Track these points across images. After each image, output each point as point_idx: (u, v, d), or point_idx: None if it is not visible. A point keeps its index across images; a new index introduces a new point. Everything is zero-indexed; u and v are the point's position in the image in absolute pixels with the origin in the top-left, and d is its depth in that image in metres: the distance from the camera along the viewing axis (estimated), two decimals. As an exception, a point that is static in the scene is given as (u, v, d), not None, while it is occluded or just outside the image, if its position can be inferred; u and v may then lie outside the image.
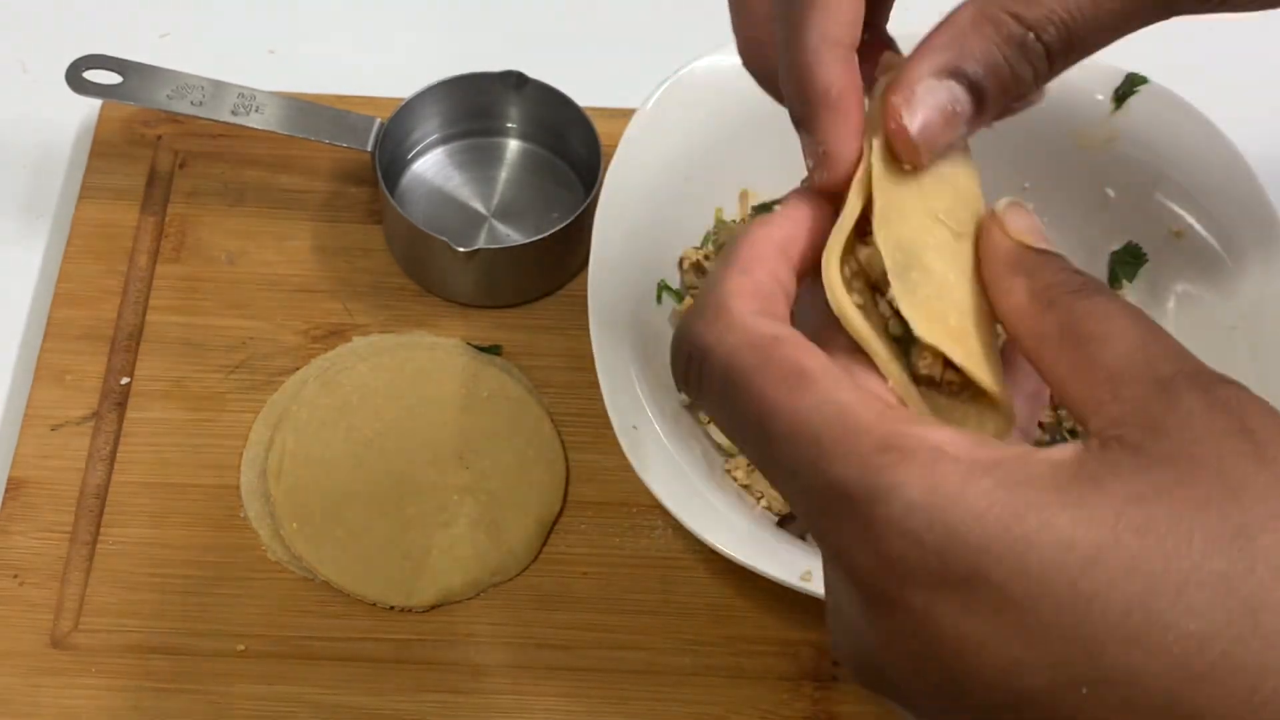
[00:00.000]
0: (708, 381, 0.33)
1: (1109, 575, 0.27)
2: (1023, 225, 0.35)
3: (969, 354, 0.35)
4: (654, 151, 0.66)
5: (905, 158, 0.36)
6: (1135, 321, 0.32)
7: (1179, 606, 0.27)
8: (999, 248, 0.35)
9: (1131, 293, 0.69)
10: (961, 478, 0.28)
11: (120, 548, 0.64)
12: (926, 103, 0.35)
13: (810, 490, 0.31)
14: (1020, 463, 0.29)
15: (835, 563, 0.31)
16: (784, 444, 0.31)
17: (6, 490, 0.65)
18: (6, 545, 0.64)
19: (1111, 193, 0.69)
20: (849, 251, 0.36)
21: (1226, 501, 0.27)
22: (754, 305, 0.34)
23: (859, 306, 0.35)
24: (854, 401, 0.31)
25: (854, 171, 0.36)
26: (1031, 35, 0.36)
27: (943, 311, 0.35)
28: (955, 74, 0.36)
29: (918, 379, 0.36)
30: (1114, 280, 0.69)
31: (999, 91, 0.36)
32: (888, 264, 0.35)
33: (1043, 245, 0.34)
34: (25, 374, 0.69)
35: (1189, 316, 0.67)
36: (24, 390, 0.68)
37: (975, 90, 0.36)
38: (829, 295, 0.35)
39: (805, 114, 0.37)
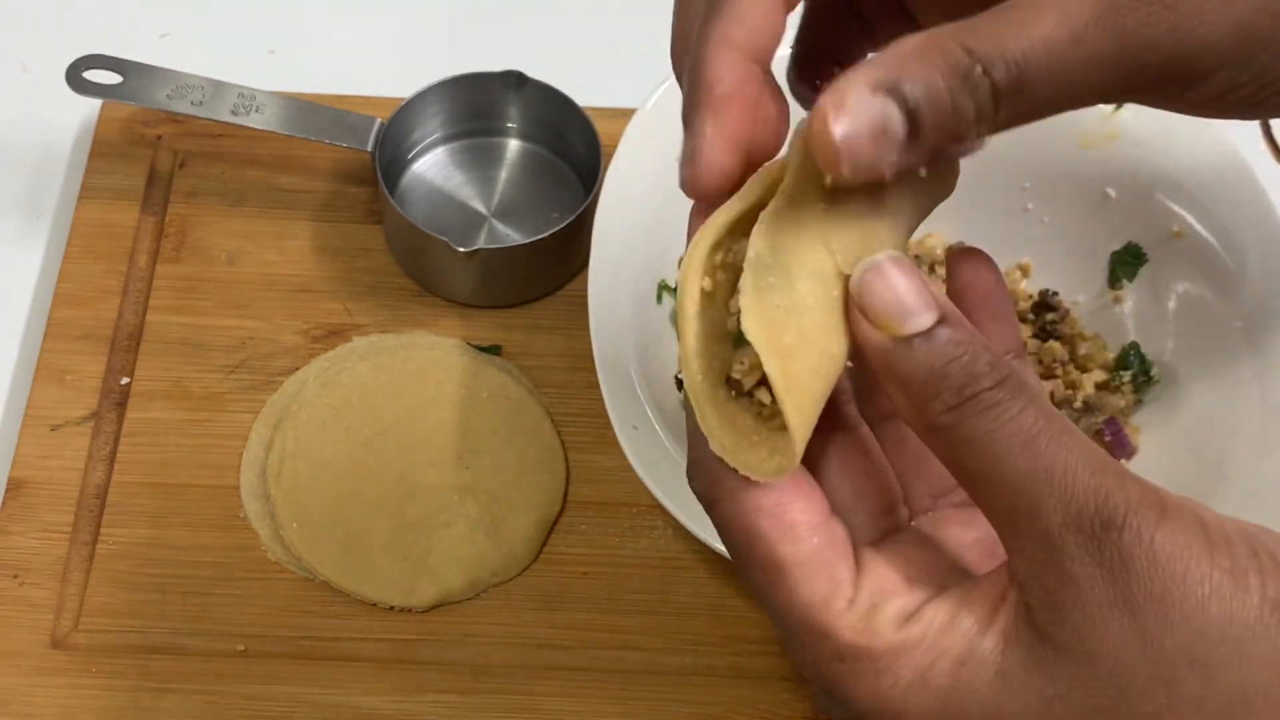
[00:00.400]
0: (715, 526, 0.37)
1: None
2: (888, 299, 0.33)
3: (788, 379, 0.32)
4: (654, 151, 0.66)
5: (824, 163, 0.33)
6: (1010, 455, 0.32)
7: None
8: (867, 343, 0.34)
9: (1131, 292, 0.69)
10: (904, 693, 0.34)
11: (120, 548, 0.64)
12: (856, 112, 0.32)
13: (793, 657, 0.36)
14: (953, 669, 0.34)
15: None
16: (773, 617, 0.36)
17: (6, 490, 0.65)
18: (6, 545, 0.64)
19: (1112, 192, 0.69)
20: (734, 238, 0.34)
21: (1119, 704, 0.32)
22: None
23: (708, 292, 0.34)
24: (818, 602, 0.35)
25: (719, 183, 0.35)
26: (979, 69, 0.33)
27: (784, 326, 0.33)
28: (892, 92, 0.32)
29: (730, 382, 0.34)
30: (1114, 280, 0.69)
31: (936, 122, 0.33)
32: (749, 254, 0.32)
33: (913, 323, 0.33)
34: (25, 374, 0.69)
35: (1189, 316, 0.67)
36: (24, 390, 0.68)
37: (911, 115, 0.33)
38: (683, 267, 0.33)
39: (687, 106, 0.36)
